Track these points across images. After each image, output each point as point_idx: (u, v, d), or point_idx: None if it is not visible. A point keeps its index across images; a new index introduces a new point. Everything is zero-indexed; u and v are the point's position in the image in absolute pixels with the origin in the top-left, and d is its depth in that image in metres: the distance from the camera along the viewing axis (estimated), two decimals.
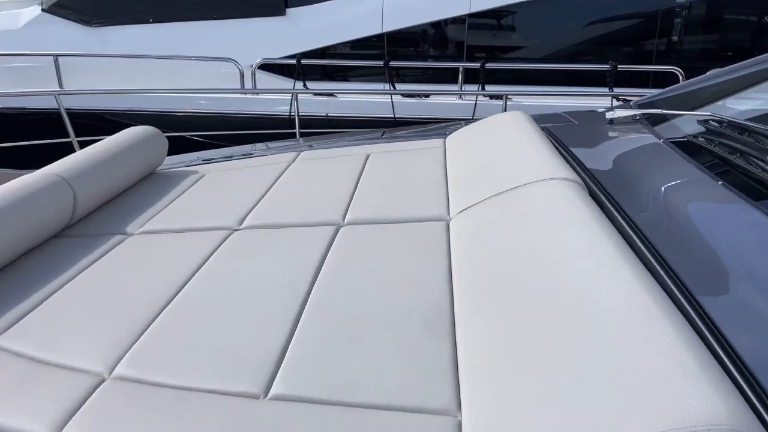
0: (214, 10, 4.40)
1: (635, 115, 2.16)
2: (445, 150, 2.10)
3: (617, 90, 4.07)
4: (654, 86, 4.73)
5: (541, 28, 4.68)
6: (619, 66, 4.07)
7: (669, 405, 0.61)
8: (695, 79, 2.44)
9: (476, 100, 3.97)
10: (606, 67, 4.11)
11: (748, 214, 1.09)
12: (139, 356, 0.98)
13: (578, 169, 1.55)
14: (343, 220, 1.50)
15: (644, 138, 1.78)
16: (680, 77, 4.17)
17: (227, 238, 1.44)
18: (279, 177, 1.92)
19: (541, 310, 0.88)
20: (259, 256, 1.32)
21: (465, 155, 1.90)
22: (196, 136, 3.84)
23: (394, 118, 4.05)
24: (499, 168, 1.59)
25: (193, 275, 1.25)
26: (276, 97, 4.16)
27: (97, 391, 0.91)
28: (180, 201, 1.74)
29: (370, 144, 2.30)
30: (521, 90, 3.85)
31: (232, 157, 2.31)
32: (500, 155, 1.71)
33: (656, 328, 0.73)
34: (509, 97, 3.89)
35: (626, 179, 1.45)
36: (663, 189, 1.33)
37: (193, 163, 2.26)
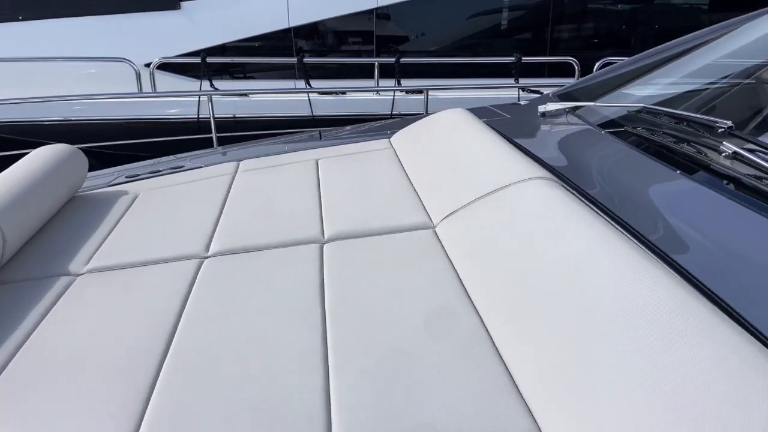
0: (98, 4, 3.92)
1: (565, 108, 2.25)
2: (395, 152, 2.04)
3: (522, 81, 4.28)
4: (549, 76, 5.06)
5: (443, 22, 4.77)
6: (522, 58, 4.28)
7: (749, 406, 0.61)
8: (605, 69, 2.60)
9: (394, 96, 3.96)
10: (512, 59, 4.30)
11: (701, 192, 1.21)
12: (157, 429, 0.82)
13: (544, 166, 1.58)
14: (323, 236, 1.39)
15: (587, 131, 1.85)
16: (576, 67, 4.49)
17: (199, 268, 1.27)
18: (228, 192, 1.75)
19: (578, 317, 0.87)
20: (248, 287, 1.17)
21: (422, 157, 1.86)
22: (95, 147, 3.40)
23: (312, 116, 3.92)
24: (471, 170, 1.57)
25: (180, 318, 1.08)
26: (176, 99, 3.83)
27: None
28: (121, 229, 1.51)
29: (312, 149, 2.18)
30: (438, 84, 3.90)
31: (159, 171, 2.07)
32: (465, 156, 1.69)
33: (703, 324, 0.75)
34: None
35: (589, 173, 1.50)
36: (627, 180, 1.39)
37: (117, 181, 1.99)
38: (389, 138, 2.22)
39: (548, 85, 4.23)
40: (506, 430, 0.75)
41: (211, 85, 3.95)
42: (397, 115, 3.98)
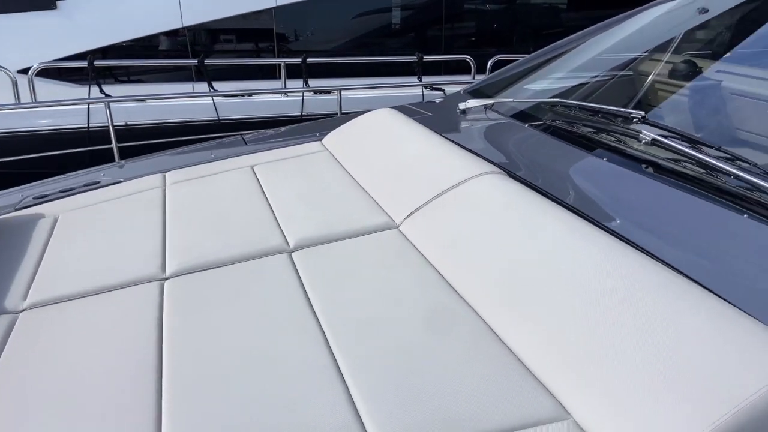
0: None
1: (483, 106, 2.38)
2: (331, 154, 2.03)
3: (424, 79, 4.44)
4: (446, 73, 5.30)
5: (342, 21, 4.79)
6: (424, 57, 4.43)
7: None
8: (510, 66, 2.79)
9: (303, 97, 3.91)
10: (413, 58, 4.43)
11: (629, 175, 1.38)
12: None
13: (486, 160, 1.67)
14: (288, 244, 1.35)
15: (511, 125, 1.99)
16: (472, 64, 4.74)
17: (162, 290, 1.18)
18: (164, 207, 1.63)
19: (567, 296, 0.95)
20: (226, 304, 1.11)
21: (363, 158, 1.87)
22: None
23: (219, 120, 3.74)
24: (422, 169, 1.61)
25: (161, 344, 0.99)
26: (57, 109, 3.45)
27: None
28: (51, 257, 1.35)
29: (241, 155, 2.10)
30: (344, 84, 3.90)
31: (73, 190, 1.87)
32: (411, 155, 1.73)
33: (689, 298, 0.86)
34: (332, 91, 3.93)
35: (526, 165, 1.61)
36: (562, 169, 1.52)
37: (25, 204, 1.76)
38: (320, 140, 2.21)
39: (450, 82, 4.43)
40: (534, 413, 0.79)
41: (101, 91, 3.62)
42: (308, 116, 3.94)
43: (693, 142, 1.40)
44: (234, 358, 0.96)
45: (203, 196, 1.69)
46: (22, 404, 0.88)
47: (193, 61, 3.79)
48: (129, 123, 3.62)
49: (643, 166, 1.46)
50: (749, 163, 1.25)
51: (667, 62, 2.30)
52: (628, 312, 0.87)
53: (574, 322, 0.90)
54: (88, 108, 3.34)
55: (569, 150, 1.63)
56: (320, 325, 1.03)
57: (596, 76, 2.42)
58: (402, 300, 1.08)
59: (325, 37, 4.78)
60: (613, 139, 1.61)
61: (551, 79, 2.57)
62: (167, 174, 1.93)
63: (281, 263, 1.26)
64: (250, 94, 3.75)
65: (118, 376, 0.93)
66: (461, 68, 5.05)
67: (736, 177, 1.22)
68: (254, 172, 1.89)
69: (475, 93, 2.65)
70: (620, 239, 1.12)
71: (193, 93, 3.48)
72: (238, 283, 1.18)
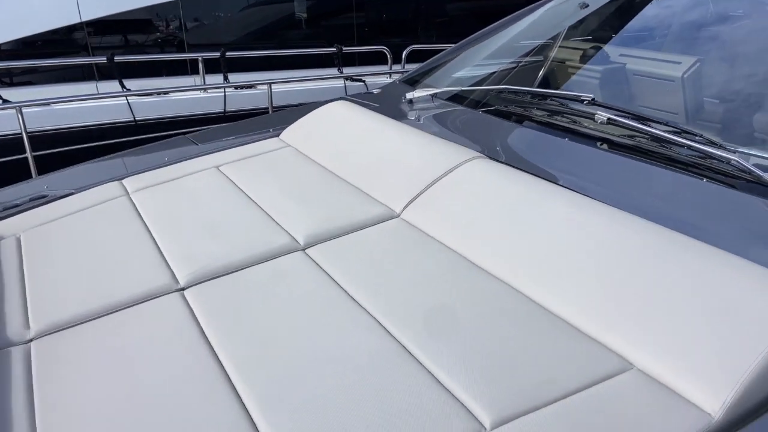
0: None
1: (430, 95, 2.48)
2: (296, 149, 2.02)
3: (345, 70, 4.46)
4: (360, 64, 5.34)
5: (251, 13, 4.64)
6: (343, 48, 4.44)
7: None
8: (440, 55, 2.93)
9: (225, 93, 3.76)
10: (333, 50, 4.43)
11: (591, 151, 1.56)
12: None
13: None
14: (298, 242, 1.34)
15: (466, 112, 2.10)
16: (388, 55, 4.83)
17: (185, 301, 1.13)
18: (139, 215, 1.53)
19: (605, 258, 1.06)
20: (260, 307, 1.09)
21: (334, 151, 1.88)
22: None
23: (135, 121, 3.49)
24: (407, 158, 1.66)
25: (216, 358, 0.96)
26: None
27: None
28: (36, 281, 1.22)
29: (198, 156, 2.01)
30: (269, 78, 3.81)
31: (18, 206, 1.69)
32: (389, 146, 1.76)
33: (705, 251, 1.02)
34: (254, 86, 3.83)
35: (498, 148, 1.74)
36: (533, 150, 1.66)
37: None
38: (276, 136, 2.17)
39: (369, 73, 4.49)
40: (600, 370, 0.88)
41: None
42: (231, 113, 3.80)
43: (642, 119, 1.60)
44: (297, 356, 0.96)
45: (177, 200, 1.62)
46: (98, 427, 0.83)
47: (102, 59, 3.49)
48: (38, 129, 3.26)
49: (599, 143, 1.63)
50: (697, 135, 1.46)
51: (587, 46, 2.54)
52: (659, 264, 1.00)
53: (614, 279, 1.02)
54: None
55: (532, 133, 1.77)
56: (371, 315, 1.06)
57: (525, 61, 2.61)
58: (439, 284, 1.14)
59: (235, 30, 4.62)
60: (569, 120, 1.78)
61: (484, 66, 2.73)
62: (124, 181, 1.81)
63: (299, 261, 1.26)
64: (166, 92, 3.55)
65: (188, 387, 0.90)
66: (374, 59, 5.13)
67: (689, 147, 1.41)
68: (222, 172, 1.83)
69: (411, 82, 2.75)
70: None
71: (123, 92, 3.19)
72: (264, 285, 1.17)
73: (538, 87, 2.45)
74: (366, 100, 2.64)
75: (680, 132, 1.50)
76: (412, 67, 5.02)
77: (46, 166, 2.91)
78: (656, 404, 0.81)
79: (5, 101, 3.14)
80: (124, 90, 3.45)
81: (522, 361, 0.92)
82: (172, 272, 1.24)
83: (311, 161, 1.88)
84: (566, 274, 1.07)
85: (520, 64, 2.65)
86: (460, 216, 1.33)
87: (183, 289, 1.19)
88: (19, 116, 2.47)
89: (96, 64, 3.78)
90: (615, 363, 0.90)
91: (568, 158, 1.59)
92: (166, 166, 1.92)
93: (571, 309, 1.01)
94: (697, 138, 1.45)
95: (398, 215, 1.46)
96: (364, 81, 4.44)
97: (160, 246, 1.36)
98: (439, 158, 1.57)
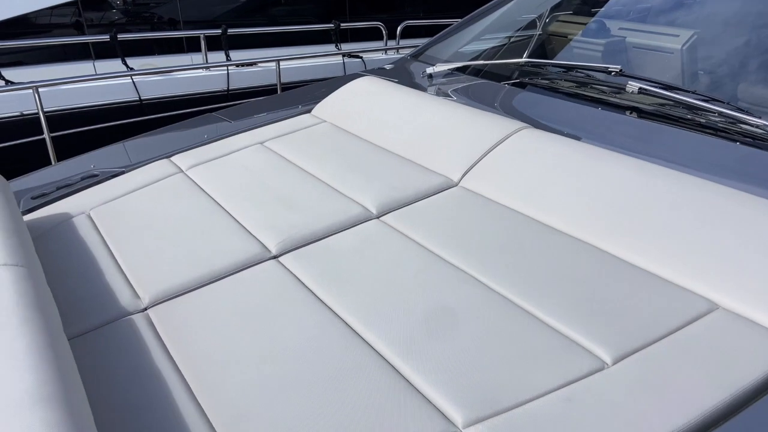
0: None
1: (450, 69, 2.56)
2: (332, 124, 2.07)
3: (345, 47, 4.47)
4: (352, 40, 5.33)
5: None
6: (341, 25, 4.44)
7: None
8: (448, 30, 3.00)
9: (228, 71, 3.74)
10: (331, 26, 4.43)
11: (625, 120, 1.67)
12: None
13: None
14: (371, 211, 1.42)
15: (490, 85, 2.19)
16: (383, 30, 4.85)
17: (283, 266, 1.20)
18: (203, 190, 1.58)
19: (679, 210, 1.18)
20: (362, 267, 1.17)
21: (375, 126, 1.94)
22: None
23: (140, 101, 3.45)
24: (455, 130, 1.73)
25: (339, 318, 1.04)
26: None
27: None
28: (126, 255, 1.27)
29: (242, 134, 2.04)
30: (278, 55, 3.78)
31: (72, 185, 1.71)
32: (429, 120, 1.83)
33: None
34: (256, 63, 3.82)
35: (535, 119, 1.83)
36: (570, 120, 1.76)
37: (28, 206, 1.57)
38: (308, 112, 2.22)
39: (366, 49, 4.51)
40: (689, 312, 0.98)
41: (0, 76, 3.14)
42: (234, 90, 3.79)
43: (671, 88, 1.72)
44: (412, 308, 1.04)
45: (237, 175, 1.67)
46: (251, 384, 0.90)
47: (105, 37, 3.42)
48: (47, 110, 3.18)
49: (628, 112, 1.75)
50: (724, 102, 1.59)
51: (589, 20, 2.64)
52: (719, 214, 1.13)
53: (683, 228, 1.13)
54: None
55: (563, 103, 1.87)
56: (465, 272, 1.15)
57: (532, 35, 2.70)
58: (518, 242, 1.23)
59: (224, 5, 4.55)
60: (597, 90, 1.89)
61: (494, 39, 2.81)
62: (173, 159, 1.85)
63: (378, 228, 1.34)
64: (176, 70, 3.50)
65: (323, 339, 0.98)
66: (367, 36, 5.14)
67: (720, 114, 1.54)
68: (268, 147, 1.88)
69: (422, 57, 2.81)
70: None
71: (140, 71, 3.14)
72: (354, 249, 1.25)
73: (549, 59, 2.55)
74: (385, 75, 2.70)
75: (708, 99, 1.62)
76: (406, 42, 5.05)
77: (62, 146, 2.88)
78: (746, 340, 0.92)
79: (8, 82, 3.08)
80: (128, 69, 3.40)
81: (619, 308, 1.03)
82: (261, 242, 1.31)
83: (352, 135, 1.94)
84: (638, 227, 1.19)
85: (528, 38, 2.74)
86: (521, 181, 1.43)
87: (277, 256, 1.26)
88: (36, 96, 2.43)
89: (92, 43, 3.70)
90: (702, 305, 1.02)
91: (604, 125, 1.69)
92: (209, 143, 1.96)
93: (657, 259, 1.13)
94: (725, 105, 1.57)
95: (457, 184, 1.55)
96: (361, 57, 4.46)
97: (237, 219, 1.42)
98: (488, 129, 1.66)
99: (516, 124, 1.66)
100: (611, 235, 1.21)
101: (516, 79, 2.22)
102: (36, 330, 0.80)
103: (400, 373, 0.91)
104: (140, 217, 1.45)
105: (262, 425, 0.80)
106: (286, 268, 1.21)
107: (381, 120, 1.95)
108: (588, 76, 1.99)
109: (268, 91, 3.88)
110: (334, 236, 1.32)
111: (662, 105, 1.70)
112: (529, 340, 0.96)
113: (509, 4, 2.95)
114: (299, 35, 4.64)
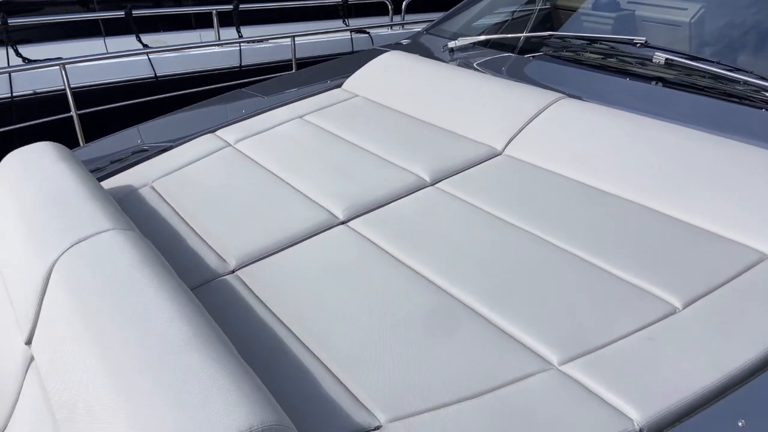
0: None
1: (472, 43, 2.61)
2: (365, 98, 2.14)
3: (351, 22, 4.48)
4: (357, 15, 5.33)
5: None
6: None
7: None
8: (463, 4, 3.05)
9: (240, 47, 3.75)
10: (339, 1, 4.43)
11: (655, 89, 1.75)
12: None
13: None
14: (426, 179, 1.50)
15: (515, 58, 2.26)
16: (389, 5, 4.85)
17: (355, 231, 1.28)
18: (259, 163, 1.65)
19: (723, 164, 1.30)
20: (428, 231, 1.27)
21: (411, 98, 2.00)
22: None
23: (156, 77, 3.47)
24: (492, 101, 1.80)
25: (415, 272, 1.14)
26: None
27: None
28: (200, 223, 1.35)
29: (279, 108, 2.10)
30: (297, 30, 3.79)
31: (123, 160, 1.77)
32: (466, 92, 1.90)
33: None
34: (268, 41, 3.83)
35: (572, 89, 1.91)
36: (601, 92, 1.84)
37: (106, 174, 1.64)
38: (338, 87, 2.28)
39: (373, 25, 4.52)
40: (737, 263, 1.10)
41: (18, 54, 3.13)
42: (246, 66, 3.82)
43: (696, 59, 1.80)
44: (488, 265, 1.14)
45: (286, 148, 1.73)
46: (356, 330, 1.00)
47: (120, 13, 3.41)
48: (54, 88, 3.18)
49: (653, 82, 1.84)
50: (749, 72, 1.68)
51: None
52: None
53: (734, 185, 1.24)
54: (10, 76, 2.89)
55: (593, 75, 1.96)
56: (531, 232, 1.25)
57: (549, 8, 2.77)
58: (578, 205, 1.32)
59: None
60: (624, 62, 1.97)
61: (511, 12, 2.87)
62: (218, 133, 1.91)
63: (436, 194, 1.42)
64: (191, 47, 3.51)
65: (416, 296, 1.07)
66: (370, 11, 5.14)
67: (746, 83, 1.64)
68: (308, 121, 1.95)
69: (436, 30, 2.87)
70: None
71: (135, 51, 3.14)
72: (418, 213, 1.34)
73: (564, 31, 2.62)
74: (404, 50, 2.75)
75: (733, 69, 1.72)
76: (411, 17, 5.06)
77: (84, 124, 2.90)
78: None
79: (26, 60, 3.07)
80: (144, 47, 3.41)
81: (675, 260, 1.13)
82: (327, 209, 1.38)
83: (388, 108, 2.01)
84: (684, 186, 1.29)
85: (541, 11, 2.80)
86: (566, 148, 1.52)
87: (345, 222, 1.35)
88: (63, 74, 2.46)
89: (101, 20, 3.69)
90: (752, 255, 1.12)
91: (633, 95, 1.78)
92: (248, 118, 2.02)
93: (696, 215, 1.23)
94: (750, 74, 1.67)
95: (501, 152, 1.64)
96: (368, 33, 4.48)
97: (297, 188, 1.49)
98: (526, 99, 1.74)
99: (553, 94, 1.74)
100: (659, 195, 1.31)
101: (539, 52, 2.29)
102: (172, 284, 0.88)
103: (490, 321, 1.01)
104: (203, 189, 1.53)
105: (379, 368, 0.90)
106: (357, 232, 1.29)
107: (416, 93, 2.02)
108: (612, 48, 2.07)
109: (280, 66, 3.91)
110: (395, 202, 1.40)
111: (688, 75, 1.79)
112: (604, 289, 1.06)
113: None
114: (305, 10, 4.64)
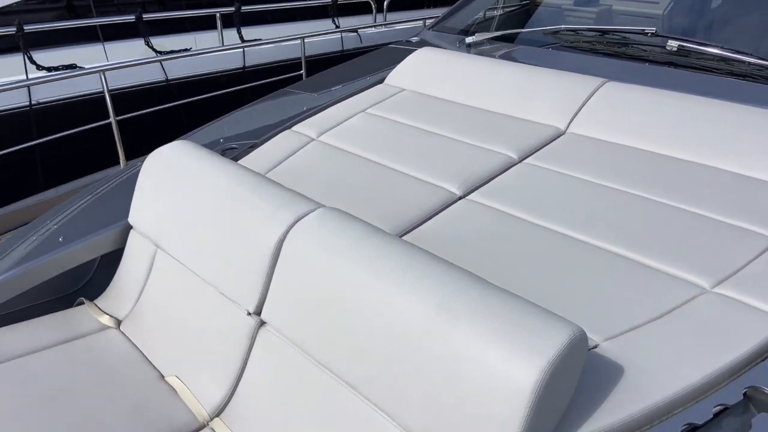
0: None
1: (487, 39, 2.86)
2: (413, 91, 2.33)
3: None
4: (342, 15, 5.46)
5: None
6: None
7: None
8: (460, 2, 3.31)
9: (244, 50, 3.84)
10: (328, 1, 4.59)
11: (672, 72, 2.06)
12: None
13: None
14: (514, 157, 1.72)
15: (534, 50, 2.53)
16: (372, 2, 5.04)
17: (476, 203, 1.49)
18: (357, 154, 1.82)
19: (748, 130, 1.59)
20: (542, 198, 1.49)
21: (460, 89, 2.18)
22: None
23: (167, 81, 3.51)
24: (543, 86, 2.02)
25: (542, 228, 1.37)
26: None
27: None
28: (336, 199, 1.52)
29: (340, 104, 2.25)
30: (279, 33, 3.90)
31: (235, 149, 1.90)
32: (513, 81, 2.12)
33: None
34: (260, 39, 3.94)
35: (604, 75, 2.18)
36: (626, 77, 2.13)
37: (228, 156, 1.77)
38: (381, 83, 2.46)
39: (362, 25, 4.70)
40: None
41: (32, 60, 3.09)
42: (250, 67, 3.91)
43: (704, 45, 2.13)
44: (622, 220, 1.37)
45: (366, 138, 1.90)
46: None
47: (131, 17, 3.42)
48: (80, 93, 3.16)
49: (667, 65, 2.16)
50: (750, 53, 2.02)
51: None
52: None
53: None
54: (28, 87, 2.88)
55: (615, 62, 2.25)
56: (637, 194, 1.50)
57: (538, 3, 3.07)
58: (644, 175, 1.58)
59: None
60: (636, 50, 2.28)
61: (507, 8, 3.15)
62: (294, 129, 2.05)
63: (529, 169, 1.64)
64: (212, 51, 3.57)
65: (563, 248, 1.30)
66: (351, 10, 5.31)
67: (749, 64, 1.97)
68: (373, 114, 2.12)
69: (440, 28, 3.11)
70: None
71: (139, 60, 3.18)
72: (525, 183, 1.54)
73: (559, 23, 2.92)
74: (420, 46, 2.96)
75: (735, 51, 2.05)
76: (392, 16, 5.28)
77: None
78: None
79: (39, 67, 3.05)
80: (156, 51, 3.44)
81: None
82: (442, 187, 1.59)
83: (440, 99, 2.22)
84: (736, 145, 1.58)
85: (537, 5, 3.10)
86: (627, 121, 1.79)
87: (463, 196, 1.55)
88: (103, 80, 2.50)
89: (102, 25, 3.66)
90: None
91: (655, 77, 2.09)
92: (314, 114, 2.17)
93: (740, 166, 1.53)
94: (750, 54, 2.01)
95: (564, 131, 1.89)
96: (357, 32, 4.66)
97: (404, 172, 1.68)
98: (575, 84, 2.00)
99: (597, 79, 2.02)
100: (710, 152, 1.60)
101: (555, 43, 2.58)
102: (404, 243, 1.06)
103: (635, 260, 1.26)
104: (315, 178, 1.69)
105: (572, 303, 1.13)
106: (478, 203, 1.51)
107: (464, 84, 2.24)
108: (625, 38, 2.38)
109: (282, 66, 4.03)
110: (498, 177, 1.63)
111: (698, 58, 2.11)
112: (712, 228, 1.34)
113: None
114: (297, 11, 4.76)
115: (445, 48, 2.82)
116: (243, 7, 3.94)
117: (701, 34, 2.30)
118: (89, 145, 2.96)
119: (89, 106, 3.08)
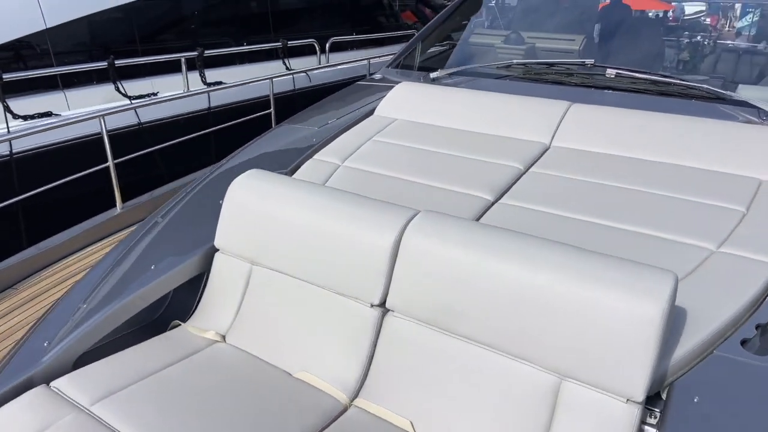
0: None
1: (449, 74, 3.27)
2: (404, 120, 2.64)
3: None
4: (277, 58, 5.69)
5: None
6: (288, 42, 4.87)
7: None
8: (414, 40, 3.75)
9: (209, 94, 3.97)
10: (278, 45, 4.83)
11: (615, 95, 2.57)
12: None
13: None
14: (520, 168, 2.09)
15: (493, 81, 2.97)
16: (316, 45, 5.34)
17: (509, 204, 1.84)
18: (385, 173, 2.08)
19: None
20: (561, 194, 1.87)
21: (448, 115, 2.56)
22: None
23: (140, 124, 3.56)
24: (518, 111, 2.45)
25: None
26: None
27: None
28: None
29: (342, 135, 2.51)
30: (229, 71, 4.07)
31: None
32: (490, 108, 2.52)
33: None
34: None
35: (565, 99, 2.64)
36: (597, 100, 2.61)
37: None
38: (372, 114, 2.75)
39: (309, 67, 4.99)
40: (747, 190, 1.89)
41: (9, 110, 3.01)
42: (214, 108, 4.04)
43: (635, 71, 2.67)
44: (626, 203, 1.80)
45: (389, 161, 2.18)
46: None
47: (103, 64, 3.45)
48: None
49: (605, 90, 2.67)
50: (674, 77, 2.57)
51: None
52: None
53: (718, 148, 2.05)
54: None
55: (564, 89, 2.72)
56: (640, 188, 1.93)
57: (487, 41, 3.57)
58: (626, 173, 2.01)
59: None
60: (580, 79, 2.78)
61: (458, 44, 3.62)
62: (316, 157, 2.28)
63: (538, 175, 2.02)
64: (197, 93, 3.64)
65: (588, 235, 1.66)
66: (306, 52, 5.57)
67: (675, 84, 2.52)
68: (381, 141, 2.40)
69: (397, 65, 3.51)
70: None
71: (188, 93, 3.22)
72: (540, 184, 1.92)
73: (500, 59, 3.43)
74: (381, 83, 3.28)
75: (662, 75, 2.60)
76: (334, 57, 5.62)
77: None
78: None
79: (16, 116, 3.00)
80: (129, 96, 3.48)
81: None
82: (475, 195, 1.91)
83: (433, 126, 2.55)
84: (686, 143, 2.05)
85: (482, 44, 3.61)
86: (597, 134, 2.22)
87: (495, 201, 1.89)
88: (102, 124, 2.54)
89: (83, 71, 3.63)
90: (750, 184, 1.91)
91: (603, 100, 2.58)
92: (326, 144, 2.41)
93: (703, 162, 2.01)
94: (675, 77, 2.56)
95: (549, 146, 2.29)
96: (306, 73, 4.95)
97: (436, 185, 2.01)
98: (547, 106, 2.43)
99: (564, 102, 2.46)
100: (670, 153, 2.06)
101: (508, 75, 3.02)
102: (516, 232, 1.37)
103: (651, 234, 1.64)
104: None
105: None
106: (511, 205, 1.84)
107: (451, 111, 2.59)
108: (568, 68, 2.89)
109: (245, 107, 4.20)
110: (516, 184, 1.97)
111: (632, 82, 2.64)
112: (687, 207, 1.77)
113: (455, 13, 3.80)
114: (247, 55, 4.97)
115: (413, 81, 3.18)
116: (205, 51, 4.10)
117: (613, 61, 2.89)
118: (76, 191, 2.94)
119: (66, 152, 3.06)
